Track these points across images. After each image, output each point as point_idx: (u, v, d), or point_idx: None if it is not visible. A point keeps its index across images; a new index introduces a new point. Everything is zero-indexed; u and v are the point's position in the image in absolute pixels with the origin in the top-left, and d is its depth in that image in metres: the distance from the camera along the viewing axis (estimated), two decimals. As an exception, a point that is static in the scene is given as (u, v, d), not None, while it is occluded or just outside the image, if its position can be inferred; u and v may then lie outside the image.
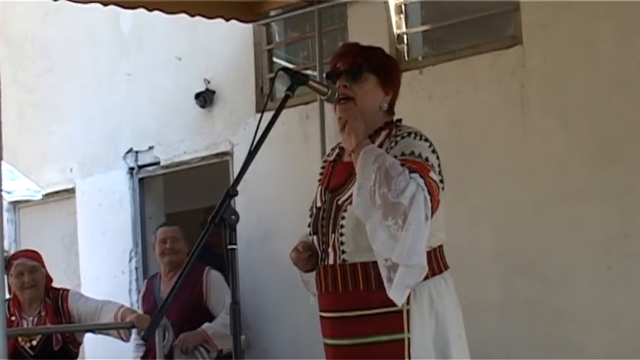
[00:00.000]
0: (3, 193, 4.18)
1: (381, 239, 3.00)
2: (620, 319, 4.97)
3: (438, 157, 3.23)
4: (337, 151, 3.49)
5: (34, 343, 5.50)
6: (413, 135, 3.24)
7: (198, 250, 2.81)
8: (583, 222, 5.17)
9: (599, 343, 5.06)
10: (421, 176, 3.04)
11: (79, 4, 5.76)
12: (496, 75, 5.59)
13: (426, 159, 3.17)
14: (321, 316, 3.36)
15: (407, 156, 3.12)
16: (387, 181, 3.00)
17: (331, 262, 3.27)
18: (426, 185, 3.03)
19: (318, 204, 3.39)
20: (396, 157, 3.10)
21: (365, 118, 3.24)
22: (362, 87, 3.30)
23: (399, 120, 3.37)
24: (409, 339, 3.13)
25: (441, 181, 3.21)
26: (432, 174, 3.11)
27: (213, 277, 6.23)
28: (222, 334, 5.90)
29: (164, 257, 6.40)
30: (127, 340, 5.54)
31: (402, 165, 3.06)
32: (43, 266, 5.75)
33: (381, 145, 3.21)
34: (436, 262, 3.21)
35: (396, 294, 3.06)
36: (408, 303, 3.13)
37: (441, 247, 3.28)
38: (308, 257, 3.39)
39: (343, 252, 3.23)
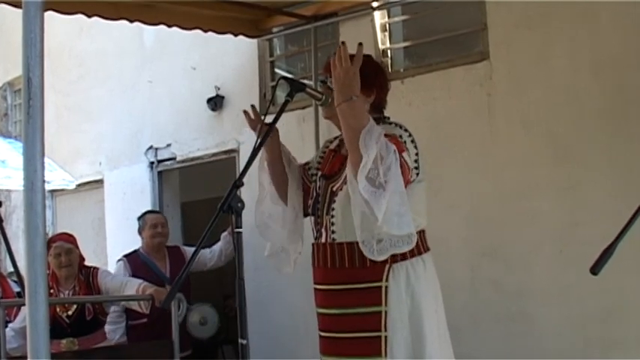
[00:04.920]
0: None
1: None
2: (569, 296, 4.98)
3: (416, 147, 3.19)
4: (338, 142, 3.44)
5: (70, 313, 5.54)
6: (394, 124, 3.23)
7: (209, 233, 2.82)
8: (540, 212, 5.17)
9: (552, 316, 5.08)
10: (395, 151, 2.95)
11: (108, 21, 5.76)
12: (467, 85, 5.59)
13: (404, 142, 3.13)
14: (314, 288, 3.37)
15: (389, 137, 3.00)
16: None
17: (323, 240, 3.27)
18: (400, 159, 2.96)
19: (318, 190, 3.37)
20: None
21: None
22: None
23: (387, 117, 3.34)
24: (386, 312, 3.12)
25: (417, 168, 3.17)
26: (405, 155, 3.06)
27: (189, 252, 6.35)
28: None
29: (155, 239, 6.49)
30: (146, 310, 5.54)
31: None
32: (77, 248, 5.78)
33: None
34: (416, 244, 3.17)
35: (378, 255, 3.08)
36: (386, 280, 3.13)
37: (421, 231, 3.25)
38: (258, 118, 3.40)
39: (333, 232, 3.23)
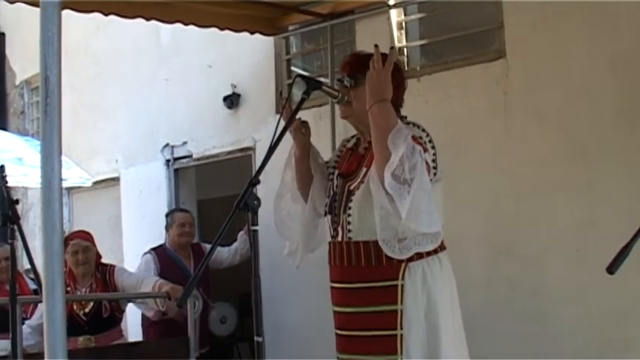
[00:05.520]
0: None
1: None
2: (586, 295, 4.97)
3: (434, 147, 3.18)
4: (355, 140, 3.45)
5: (87, 310, 5.55)
6: (412, 124, 3.21)
7: (225, 231, 2.82)
8: (556, 210, 5.16)
9: (567, 315, 5.06)
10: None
11: (125, 19, 5.77)
12: (483, 83, 5.58)
13: (424, 143, 3.12)
14: (331, 286, 3.37)
15: (413, 138, 3.01)
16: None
17: (339, 239, 3.27)
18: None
19: (335, 188, 3.37)
20: None
21: (362, 118, 3.20)
22: (357, 91, 3.24)
23: (404, 117, 3.31)
24: (402, 310, 3.12)
25: (435, 167, 3.16)
26: (426, 155, 3.05)
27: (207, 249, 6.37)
28: None
29: (182, 237, 6.53)
30: (162, 307, 5.55)
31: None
32: (94, 245, 5.79)
33: None
34: (432, 243, 3.17)
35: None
36: (402, 278, 3.12)
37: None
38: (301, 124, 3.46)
39: (349, 231, 3.23)
